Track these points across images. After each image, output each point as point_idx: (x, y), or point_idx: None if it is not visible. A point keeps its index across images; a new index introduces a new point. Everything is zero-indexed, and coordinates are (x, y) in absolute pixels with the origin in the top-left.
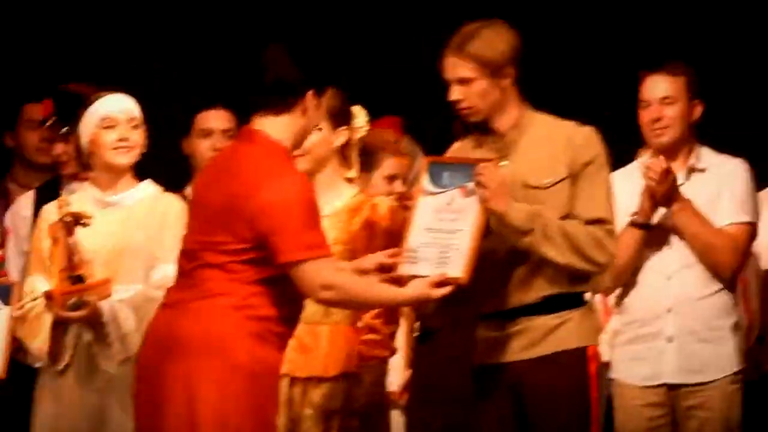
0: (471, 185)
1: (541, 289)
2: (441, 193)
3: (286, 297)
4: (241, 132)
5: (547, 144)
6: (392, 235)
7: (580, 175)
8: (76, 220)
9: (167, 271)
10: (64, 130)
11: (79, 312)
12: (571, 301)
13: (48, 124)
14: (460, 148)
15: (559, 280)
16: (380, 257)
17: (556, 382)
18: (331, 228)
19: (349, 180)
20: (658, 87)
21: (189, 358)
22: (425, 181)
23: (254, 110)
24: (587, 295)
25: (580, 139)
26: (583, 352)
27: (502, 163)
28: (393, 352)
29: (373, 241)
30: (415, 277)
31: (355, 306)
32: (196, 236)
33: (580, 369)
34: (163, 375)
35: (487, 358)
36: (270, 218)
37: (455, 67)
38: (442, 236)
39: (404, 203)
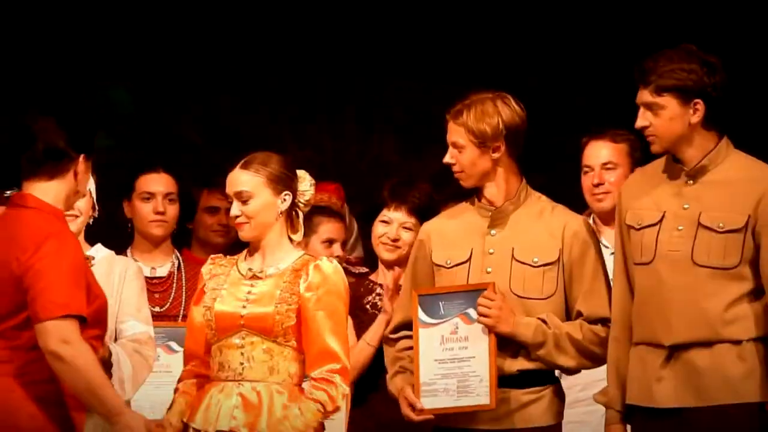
0: (471, 311)
1: (520, 364)
2: (441, 323)
3: None
4: (13, 198)
5: (540, 223)
6: (337, 295)
7: (577, 267)
8: None
9: (136, 328)
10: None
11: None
12: (546, 377)
13: None
14: (452, 212)
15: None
16: None
17: None
18: (275, 288)
19: (294, 242)
20: (600, 153)
21: None
22: (420, 314)
23: (26, 176)
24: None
25: (576, 227)
26: (554, 430)
27: (492, 232)
28: (337, 409)
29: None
30: (437, 411)
31: (73, 377)
32: None
33: None
34: None
35: (453, 422)
36: (33, 280)
37: (451, 131)
38: (455, 366)
39: (345, 266)
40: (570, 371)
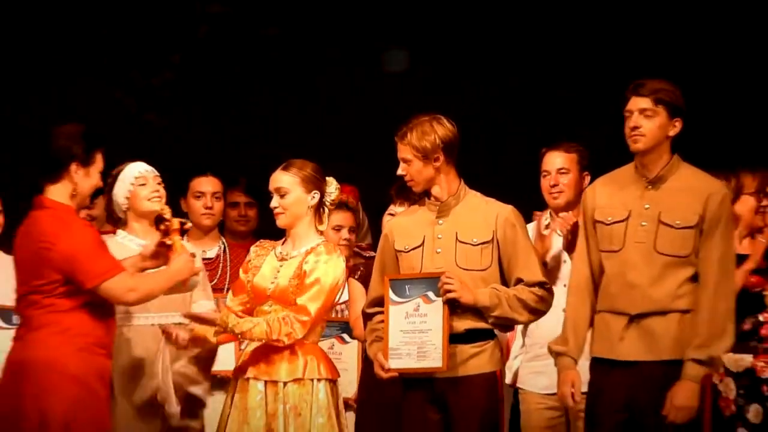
0: (430, 293)
1: (467, 324)
2: (406, 302)
3: (97, 316)
4: (35, 201)
5: (477, 213)
6: (323, 271)
7: (511, 245)
8: (181, 224)
9: (205, 306)
10: None
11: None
12: (487, 334)
13: None
14: (408, 212)
15: (482, 318)
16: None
17: (474, 396)
18: (293, 267)
19: (320, 232)
20: (556, 160)
21: (33, 377)
22: (390, 294)
23: (42, 182)
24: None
25: (506, 214)
26: (494, 375)
27: (440, 222)
28: (276, 341)
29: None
30: (401, 370)
31: (154, 295)
32: (20, 285)
33: (492, 387)
34: (13, 394)
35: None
36: (70, 260)
37: (400, 149)
38: (416, 336)
39: (357, 250)
40: (519, 323)
